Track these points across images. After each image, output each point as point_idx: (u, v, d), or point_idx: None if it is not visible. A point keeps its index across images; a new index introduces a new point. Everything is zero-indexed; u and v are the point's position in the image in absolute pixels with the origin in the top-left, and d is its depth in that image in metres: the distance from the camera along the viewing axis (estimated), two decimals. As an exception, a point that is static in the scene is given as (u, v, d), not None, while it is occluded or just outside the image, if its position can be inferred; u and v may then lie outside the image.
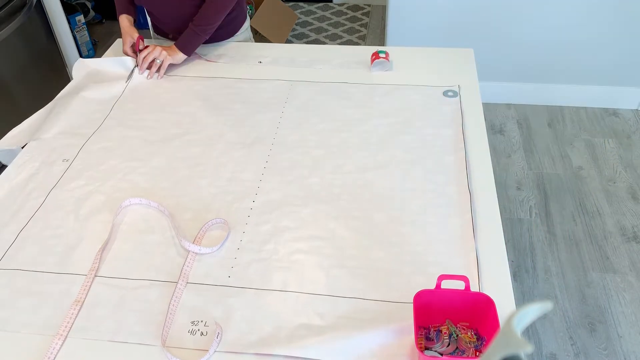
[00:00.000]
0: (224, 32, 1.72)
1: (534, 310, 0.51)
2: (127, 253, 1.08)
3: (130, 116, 1.45)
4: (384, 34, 2.76)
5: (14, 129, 1.42)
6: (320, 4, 3.70)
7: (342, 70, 1.60)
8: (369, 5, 3.69)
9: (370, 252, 1.06)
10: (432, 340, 0.92)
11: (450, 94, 1.48)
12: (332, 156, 1.29)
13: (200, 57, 1.68)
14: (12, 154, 1.36)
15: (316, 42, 3.31)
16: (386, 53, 1.59)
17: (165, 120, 1.43)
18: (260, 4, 2.90)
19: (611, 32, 2.41)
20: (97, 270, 1.04)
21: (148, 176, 1.26)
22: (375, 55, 1.58)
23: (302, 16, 3.58)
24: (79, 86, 1.58)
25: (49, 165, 1.30)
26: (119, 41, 1.79)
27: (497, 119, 2.62)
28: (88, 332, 0.94)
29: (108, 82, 1.57)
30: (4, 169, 1.29)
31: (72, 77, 1.65)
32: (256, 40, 2.67)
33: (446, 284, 0.90)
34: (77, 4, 3.25)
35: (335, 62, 1.64)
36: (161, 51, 1.56)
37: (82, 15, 3.06)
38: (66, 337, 0.93)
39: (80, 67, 1.65)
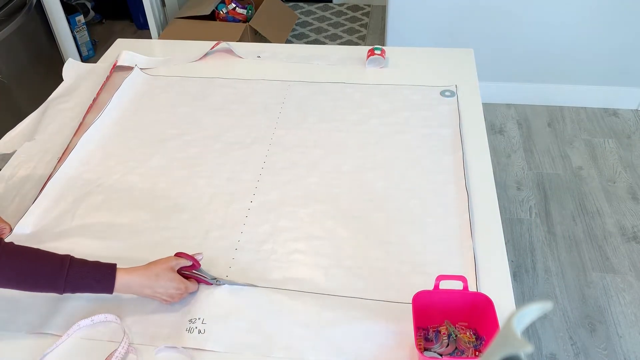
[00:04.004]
0: None
1: (534, 310, 0.51)
2: (127, 251, 1.07)
3: (127, 116, 1.45)
4: (384, 34, 2.75)
5: (7, 134, 1.41)
6: (320, 4, 3.70)
7: (340, 70, 1.60)
8: (369, 6, 3.68)
9: (368, 252, 1.06)
10: (431, 341, 0.91)
11: (447, 93, 1.47)
12: (330, 156, 1.29)
13: (199, 56, 1.68)
14: (5, 158, 1.36)
15: (316, 42, 3.31)
16: (382, 50, 1.59)
17: (162, 121, 1.43)
18: (260, 4, 2.89)
19: (611, 33, 2.41)
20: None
21: (146, 176, 1.25)
22: (371, 52, 1.59)
23: (302, 16, 3.58)
24: (71, 87, 1.57)
25: (45, 165, 1.29)
26: (119, 41, 1.79)
27: (497, 119, 2.62)
28: (88, 331, 0.93)
29: (100, 82, 1.56)
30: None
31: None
32: (256, 41, 2.67)
33: (444, 284, 0.90)
34: (77, 4, 3.25)
35: (332, 58, 1.64)
36: None
37: (82, 16, 3.05)
38: (66, 336, 0.92)
39: (70, 68, 1.65)
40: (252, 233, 1.11)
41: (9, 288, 0.89)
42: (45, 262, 0.88)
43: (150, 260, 0.95)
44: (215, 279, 1.00)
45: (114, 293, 0.91)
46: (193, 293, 0.98)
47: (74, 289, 0.89)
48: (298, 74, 1.59)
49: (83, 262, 0.90)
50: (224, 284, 0.99)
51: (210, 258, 1.05)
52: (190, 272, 0.99)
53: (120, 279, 0.90)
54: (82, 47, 3.09)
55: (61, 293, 0.89)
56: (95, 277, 0.89)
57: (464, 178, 1.20)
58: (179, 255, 0.98)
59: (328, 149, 1.31)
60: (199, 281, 0.99)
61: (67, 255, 0.90)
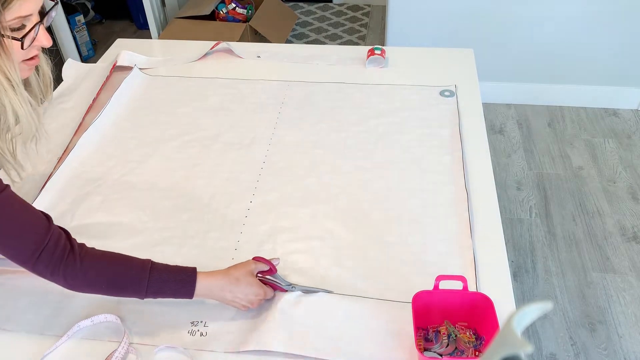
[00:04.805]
0: None
1: (534, 310, 0.51)
2: (127, 252, 1.07)
3: (126, 116, 1.45)
4: (384, 34, 2.75)
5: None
6: (320, 4, 3.69)
7: (340, 70, 1.59)
8: (369, 5, 3.68)
9: (368, 252, 1.06)
10: (431, 341, 0.91)
11: (446, 93, 1.47)
12: (330, 156, 1.29)
13: (199, 56, 1.68)
14: None
15: (316, 42, 3.31)
16: (382, 50, 1.59)
17: (162, 121, 1.43)
18: (260, 4, 2.89)
19: (611, 33, 2.41)
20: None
21: (145, 177, 1.25)
22: (371, 52, 1.59)
23: (302, 16, 3.57)
24: (71, 87, 1.57)
25: (45, 165, 1.29)
26: (118, 41, 1.79)
27: (497, 119, 2.61)
28: (88, 332, 0.93)
29: (100, 82, 1.56)
30: None
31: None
32: (256, 41, 2.67)
33: (444, 284, 0.90)
34: (77, 4, 3.25)
35: (332, 58, 1.64)
36: None
37: (82, 15, 3.05)
38: (66, 337, 0.92)
39: (70, 68, 1.65)
40: (252, 233, 1.11)
41: (89, 292, 0.88)
42: (126, 266, 0.87)
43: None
44: (291, 284, 0.97)
45: (194, 297, 0.90)
46: (269, 299, 0.96)
47: (156, 294, 0.88)
48: (298, 74, 1.58)
49: (164, 266, 0.89)
50: (298, 290, 0.97)
51: (210, 258, 1.05)
52: (265, 277, 0.97)
53: (201, 283, 0.89)
54: (82, 47, 3.09)
55: (143, 298, 0.88)
56: (177, 280, 0.88)
57: (463, 178, 1.20)
58: (256, 259, 0.96)
59: (328, 149, 1.31)
60: (273, 287, 0.97)
61: (148, 260, 0.89)
